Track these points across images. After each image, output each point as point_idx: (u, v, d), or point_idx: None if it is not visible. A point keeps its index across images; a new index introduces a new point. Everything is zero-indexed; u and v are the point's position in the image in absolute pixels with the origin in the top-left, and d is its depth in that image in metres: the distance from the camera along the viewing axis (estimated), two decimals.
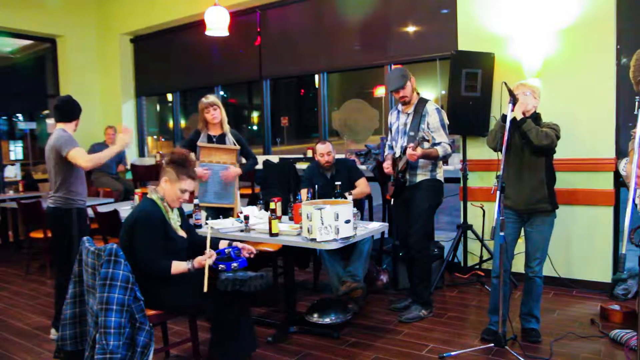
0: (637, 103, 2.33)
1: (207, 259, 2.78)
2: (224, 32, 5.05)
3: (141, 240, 2.79)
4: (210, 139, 4.38)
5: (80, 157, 3.57)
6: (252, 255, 3.00)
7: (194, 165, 2.99)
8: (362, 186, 4.50)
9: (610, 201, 4.31)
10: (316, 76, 6.37)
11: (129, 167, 7.49)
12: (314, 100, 6.39)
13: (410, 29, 5.63)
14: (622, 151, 4.23)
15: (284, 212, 4.10)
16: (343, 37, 6.04)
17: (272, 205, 3.55)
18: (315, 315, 3.76)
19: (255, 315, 3.93)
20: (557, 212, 3.41)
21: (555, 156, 3.42)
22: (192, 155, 3.02)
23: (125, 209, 4.64)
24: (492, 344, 3.28)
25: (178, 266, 2.80)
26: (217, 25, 4.95)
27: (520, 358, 3.10)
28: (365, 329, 3.79)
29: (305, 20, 6.37)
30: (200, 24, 5.35)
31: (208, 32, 5.02)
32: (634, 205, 2.33)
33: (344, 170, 4.53)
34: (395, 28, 5.71)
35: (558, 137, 3.28)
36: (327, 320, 3.72)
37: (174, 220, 2.99)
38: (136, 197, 4.85)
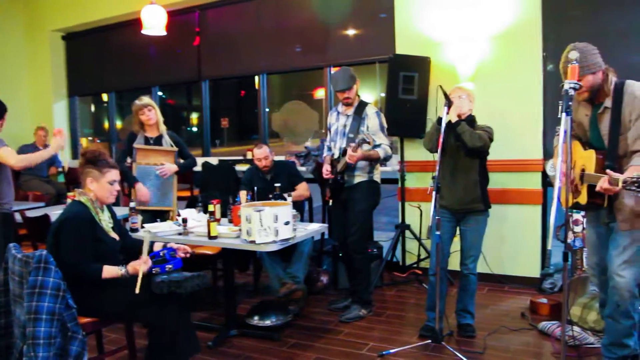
0: (560, 107, 2.46)
1: (142, 264, 2.71)
2: (161, 32, 4.94)
3: (67, 242, 2.68)
4: (147, 140, 4.28)
5: (12, 157, 3.41)
6: (188, 255, 2.94)
7: (109, 155, 2.95)
8: (301, 190, 4.50)
9: (539, 200, 4.52)
10: (256, 77, 6.34)
11: (65, 168, 7.17)
12: (255, 102, 6.35)
13: (350, 32, 5.70)
14: (549, 152, 4.45)
15: (223, 215, 4.05)
16: (283, 39, 6.04)
17: (210, 208, 3.50)
18: (256, 317, 3.74)
19: (195, 320, 3.85)
20: (490, 211, 3.54)
21: (488, 157, 3.54)
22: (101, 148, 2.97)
23: (56, 213, 4.43)
24: (430, 340, 3.38)
25: (110, 270, 2.70)
26: (154, 24, 4.84)
27: (456, 353, 3.20)
28: (306, 330, 3.80)
29: (246, 21, 6.32)
30: (136, 23, 5.21)
31: (144, 31, 4.90)
32: (559, 203, 2.46)
33: (284, 173, 4.51)
34: (335, 31, 5.75)
35: (491, 139, 3.41)
36: (268, 322, 3.70)
37: (105, 222, 2.89)
38: (69, 201, 4.65)
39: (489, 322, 3.79)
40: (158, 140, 4.31)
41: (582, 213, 3.91)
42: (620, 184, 2.32)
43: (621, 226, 2.71)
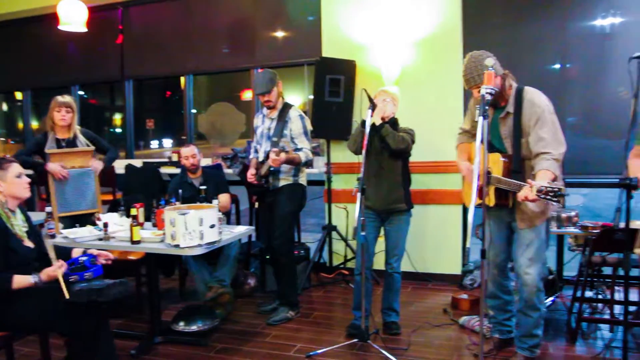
0: (477, 111, 2.58)
1: (57, 269, 2.57)
2: (81, 28, 4.74)
3: None
4: (59, 143, 4.06)
5: None
6: (109, 262, 2.83)
7: None
8: (222, 201, 4.39)
9: (459, 200, 4.68)
10: (182, 78, 6.21)
11: None
12: (181, 103, 6.22)
13: (278, 34, 5.70)
14: None
15: (147, 219, 3.93)
16: (210, 40, 5.96)
17: (133, 212, 3.39)
18: (182, 323, 3.66)
19: (117, 328, 3.73)
20: (412, 211, 3.65)
21: (411, 159, 3.64)
22: None
23: None
24: (356, 339, 3.43)
25: (20, 280, 2.53)
26: (73, 19, 4.64)
27: (382, 350, 3.28)
28: (233, 333, 3.76)
29: (171, 20, 6.18)
30: (54, 17, 4.96)
31: (62, 27, 4.69)
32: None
33: (213, 181, 4.43)
34: (263, 32, 5.74)
35: (413, 142, 3.51)
36: (194, 327, 3.63)
37: (18, 227, 2.72)
38: None
39: (414, 319, 3.91)
40: (71, 142, 4.10)
41: None
42: (534, 193, 2.47)
43: (520, 224, 2.93)
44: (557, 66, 4.59)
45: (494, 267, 3.18)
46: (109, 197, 5.57)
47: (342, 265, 5.13)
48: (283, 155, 3.64)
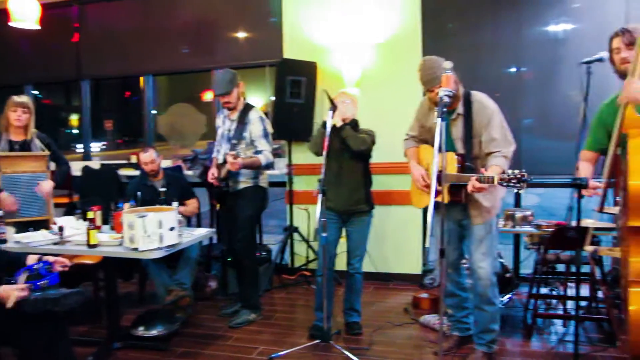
0: (435, 113, 2.62)
1: (20, 292, 2.40)
2: (34, 25, 4.59)
3: None
4: (11, 145, 3.92)
5: None
6: (66, 269, 2.74)
7: None
8: (192, 207, 4.38)
9: None
10: (141, 78, 6.10)
11: None
12: (141, 103, 6.11)
13: (240, 34, 5.66)
14: None
15: (105, 222, 3.85)
16: (170, 39, 5.86)
17: (90, 215, 3.30)
18: (141, 328, 3.60)
19: (73, 335, 3.62)
20: (373, 212, 3.68)
21: (372, 160, 3.68)
22: None
23: None
24: (319, 340, 3.44)
25: None
26: (25, 16, 4.49)
27: (344, 351, 3.30)
28: (194, 337, 3.72)
29: (130, 19, 6.06)
30: (5, 13, 4.79)
31: (13, 23, 4.53)
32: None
33: (177, 185, 4.36)
34: (225, 33, 5.69)
35: (373, 143, 3.55)
36: (154, 332, 3.58)
37: None
38: None
39: (375, 319, 3.95)
40: (25, 145, 3.96)
41: None
42: (496, 182, 2.59)
43: (474, 220, 3.05)
44: (513, 69, 4.72)
45: (448, 265, 3.26)
46: (65, 200, 5.43)
47: (304, 267, 5.14)
48: (240, 160, 3.62)
